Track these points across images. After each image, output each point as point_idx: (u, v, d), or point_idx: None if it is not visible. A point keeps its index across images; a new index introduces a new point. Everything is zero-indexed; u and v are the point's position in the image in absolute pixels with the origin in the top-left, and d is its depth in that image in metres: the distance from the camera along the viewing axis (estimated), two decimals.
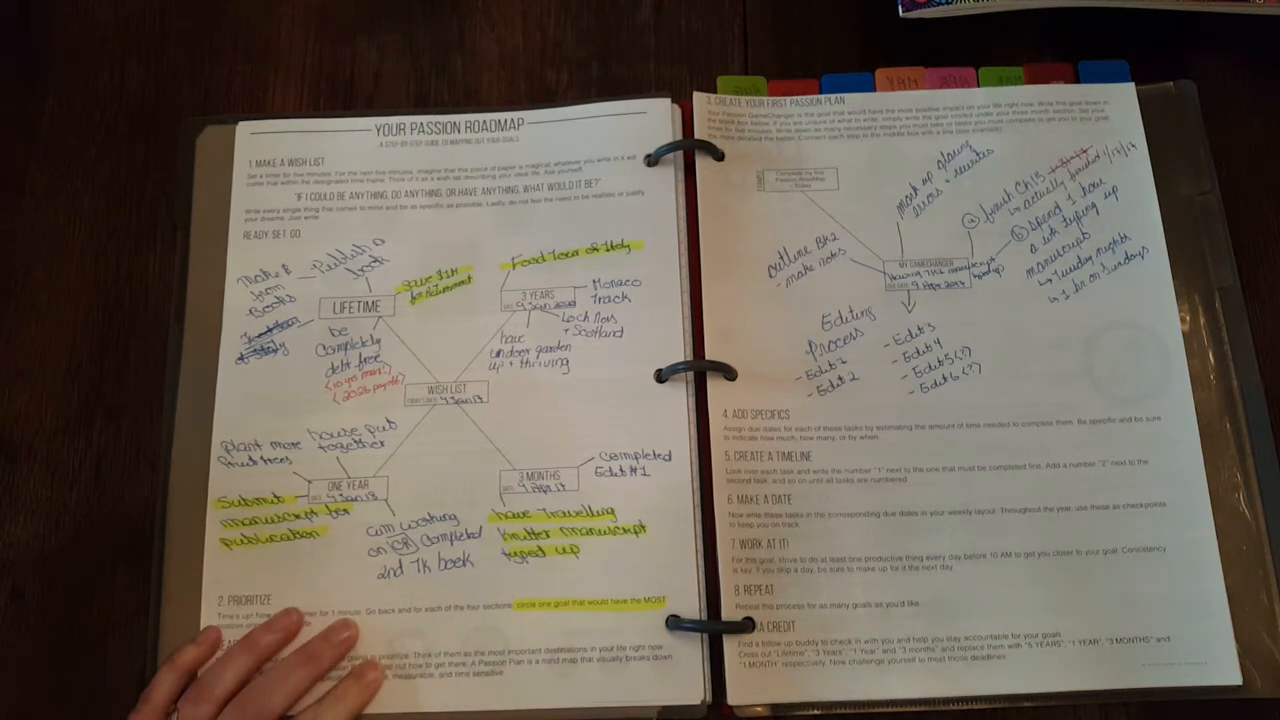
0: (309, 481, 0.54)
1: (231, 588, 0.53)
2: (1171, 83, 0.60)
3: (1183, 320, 0.56)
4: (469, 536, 0.53)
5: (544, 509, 0.53)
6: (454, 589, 0.52)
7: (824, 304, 0.56)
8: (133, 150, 0.62)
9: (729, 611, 0.51)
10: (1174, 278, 0.56)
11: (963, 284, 0.57)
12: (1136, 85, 0.60)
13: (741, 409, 0.54)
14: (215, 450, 0.54)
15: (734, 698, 0.50)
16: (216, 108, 0.62)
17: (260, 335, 0.57)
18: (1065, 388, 0.55)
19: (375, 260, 0.58)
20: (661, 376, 0.55)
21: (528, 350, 0.56)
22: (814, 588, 0.52)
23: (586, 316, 0.56)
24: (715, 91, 0.61)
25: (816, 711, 0.51)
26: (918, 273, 0.57)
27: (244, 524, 0.53)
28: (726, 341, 0.55)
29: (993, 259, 0.57)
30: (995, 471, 0.54)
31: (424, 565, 0.53)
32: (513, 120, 0.61)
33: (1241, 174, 0.60)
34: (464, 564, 0.53)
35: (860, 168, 0.59)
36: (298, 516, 0.54)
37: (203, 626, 0.52)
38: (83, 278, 0.59)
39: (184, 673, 0.50)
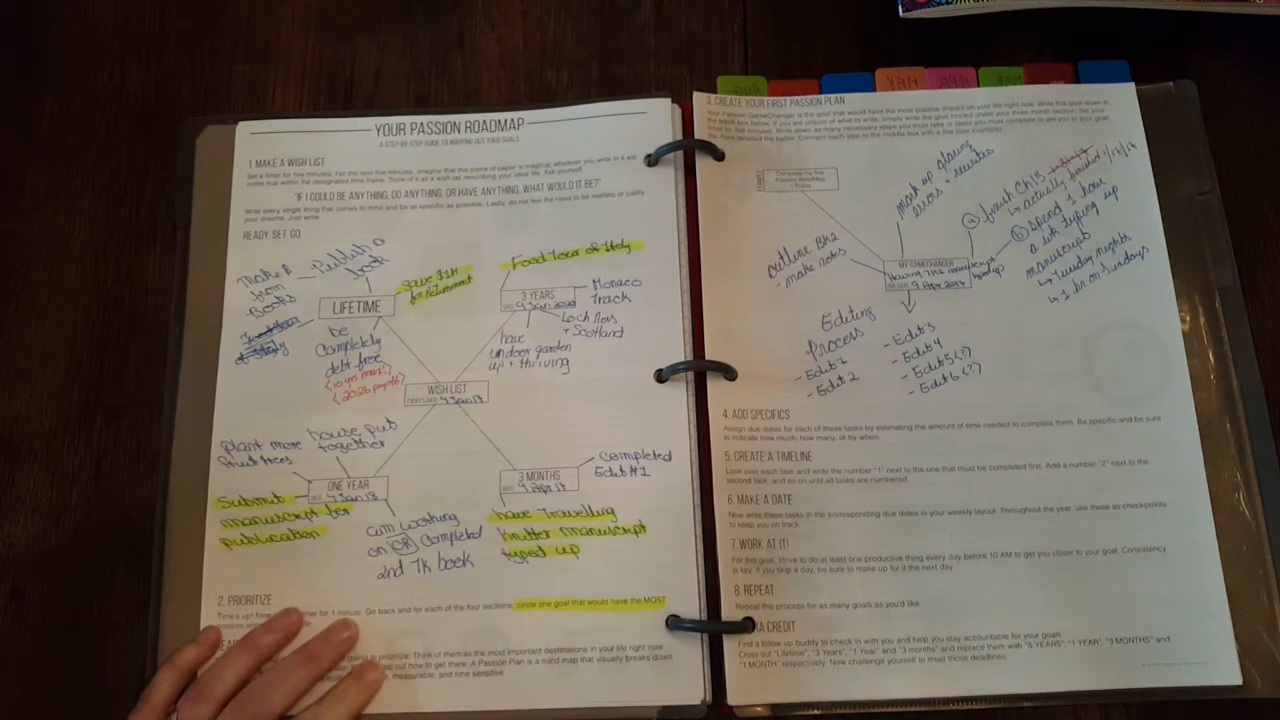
0: (309, 481, 0.54)
1: (231, 588, 0.53)
2: (1171, 83, 0.60)
3: (1183, 320, 0.56)
4: (469, 536, 0.53)
5: (544, 509, 0.53)
6: (454, 589, 0.52)
7: (824, 304, 0.56)
8: (133, 150, 0.62)
9: (729, 611, 0.51)
10: (1174, 278, 0.56)
11: (963, 284, 0.57)
12: (1136, 85, 0.60)
13: (741, 409, 0.54)
14: (215, 450, 0.54)
15: (734, 698, 0.50)
16: (216, 108, 0.62)
17: (260, 335, 0.57)
18: (1065, 388, 0.55)
19: (375, 260, 0.58)
20: (661, 376, 0.55)
21: (528, 350, 0.56)
22: (814, 588, 0.52)
23: (586, 316, 0.56)
24: (715, 91, 0.61)
25: (816, 711, 0.51)
26: (918, 273, 0.57)
27: (244, 524, 0.53)
28: (726, 341, 0.55)
29: (993, 259, 0.57)
30: (995, 471, 0.54)
31: (424, 565, 0.53)
32: (513, 120, 0.61)
33: (1241, 174, 0.60)
34: (464, 564, 0.53)
35: (860, 168, 0.59)
36: (298, 516, 0.54)
37: (203, 626, 0.52)
38: (83, 278, 0.59)
39: (184, 673, 0.50)
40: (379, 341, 0.56)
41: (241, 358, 0.56)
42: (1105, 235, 0.57)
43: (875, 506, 0.53)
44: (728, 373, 0.55)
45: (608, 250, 0.57)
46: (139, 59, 0.64)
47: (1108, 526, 0.53)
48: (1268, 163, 0.60)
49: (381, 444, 0.55)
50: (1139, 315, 0.56)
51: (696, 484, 0.53)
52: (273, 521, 0.54)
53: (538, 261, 0.58)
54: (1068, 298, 0.56)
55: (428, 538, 0.53)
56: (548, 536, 0.53)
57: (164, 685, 0.49)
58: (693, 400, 0.55)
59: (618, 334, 0.56)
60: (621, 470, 0.54)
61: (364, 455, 0.54)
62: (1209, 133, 0.59)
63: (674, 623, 0.51)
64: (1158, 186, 0.58)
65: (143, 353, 0.58)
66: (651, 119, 0.59)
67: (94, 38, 0.64)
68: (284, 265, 0.58)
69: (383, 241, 0.58)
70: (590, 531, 0.53)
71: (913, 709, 0.51)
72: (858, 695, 0.50)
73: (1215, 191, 0.58)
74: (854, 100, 0.60)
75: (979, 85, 0.61)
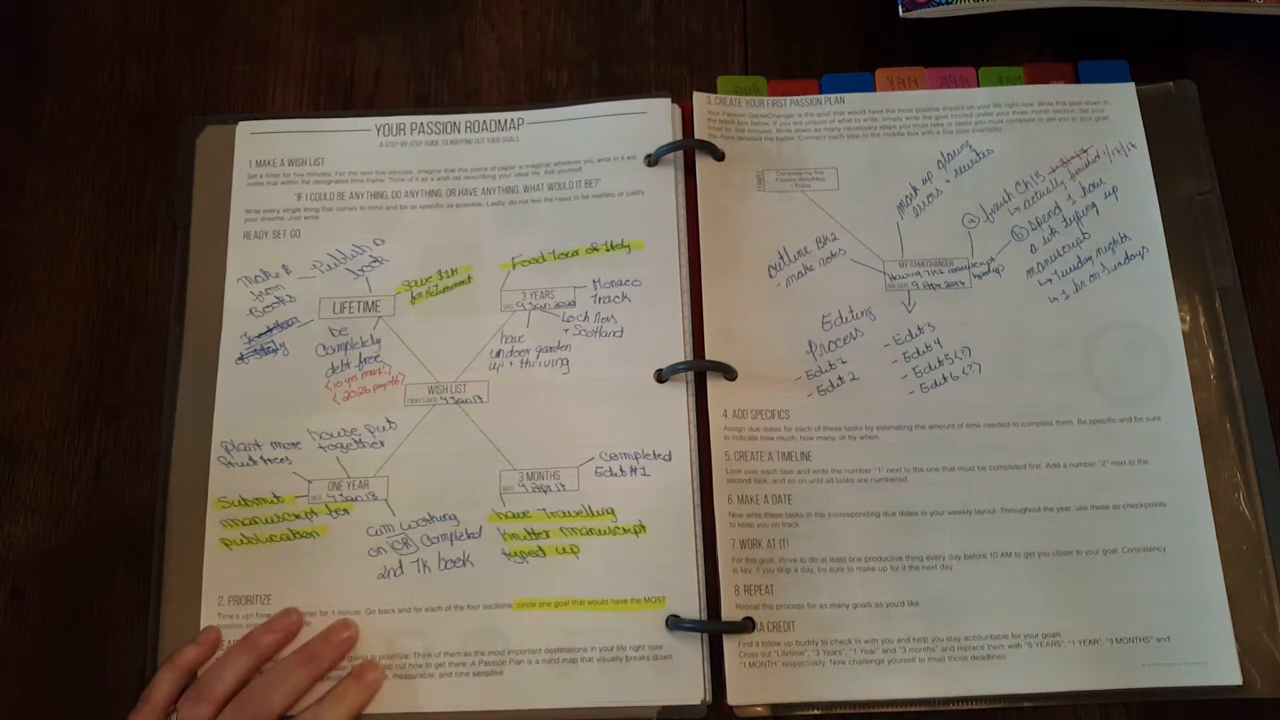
0: (309, 481, 0.54)
1: (231, 588, 0.53)
2: (1171, 83, 0.60)
3: (1183, 320, 0.56)
4: (469, 536, 0.53)
5: (544, 509, 0.53)
6: (454, 589, 0.52)
7: (824, 304, 0.56)
8: (133, 150, 0.62)
9: (729, 611, 0.51)
10: (1174, 278, 0.56)
11: (963, 284, 0.57)
12: (1136, 85, 0.60)
13: (741, 409, 0.54)
14: (215, 450, 0.54)
15: (734, 698, 0.50)
16: (216, 108, 0.62)
17: (260, 335, 0.57)
18: (1065, 388, 0.55)
19: (375, 260, 0.58)
20: (661, 376, 0.55)
21: (528, 350, 0.56)
22: (814, 588, 0.52)
23: (586, 316, 0.56)
24: (715, 91, 0.61)
25: (816, 711, 0.51)
26: (918, 273, 0.57)
27: (244, 524, 0.53)
28: (726, 341, 0.55)
29: (993, 259, 0.57)
30: (995, 471, 0.54)
31: (424, 565, 0.53)
32: (513, 120, 0.61)
33: (1241, 174, 0.60)
34: (464, 564, 0.53)
35: (860, 168, 0.59)
36: (298, 516, 0.54)
37: (203, 626, 0.52)
38: (83, 278, 0.59)
39: (184, 673, 0.50)
40: (379, 341, 0.56)
41: (241, 358, 0.56)
42: (1105, 235, 0.57)
43: (875, 506, 0.53)
44: (728, 373, 0.55)
45: (608, 250, 0.57)
46: (139, 59, 0.64)
47: (1108, 526, 0.53)
48: (1268, 163, 0.60)
49: (381, 444, 0.55)
50: (1139, 315, 0.56)
51: (696, 484, 0.53)
52: (273, 521, 0.54)
53: (538, 261, 0.58)
54: (1068, 298, 0.56)
55: (428, 538, 0.53)
56: (548, 536, 0.53)
57: (164, 685, 0.49)
58: (693, 400, 0.55)
59: (618, 334, 0.56)
60: (621, 470, 0.54)
61: (364, 455, 0.54)
62: (1209, 133, 0.59)
63: (674, 623, 0.51)
64: (1158, 186, 0.58)
65: (143, 353, 0.58)
66: (651, 119, 0.59)
67: (94, 38, 0.64)
68: (284, 265, 0.58)
69: (383, 241, 0.58)
70: (590, 531, 0.53)
71: (913, 709, 0.51)
72: (858, 695, 0.50)
73: (1215, 191, 0.58)
74: (854, 100, 0.60)
75: (979, 85, 0.61)
